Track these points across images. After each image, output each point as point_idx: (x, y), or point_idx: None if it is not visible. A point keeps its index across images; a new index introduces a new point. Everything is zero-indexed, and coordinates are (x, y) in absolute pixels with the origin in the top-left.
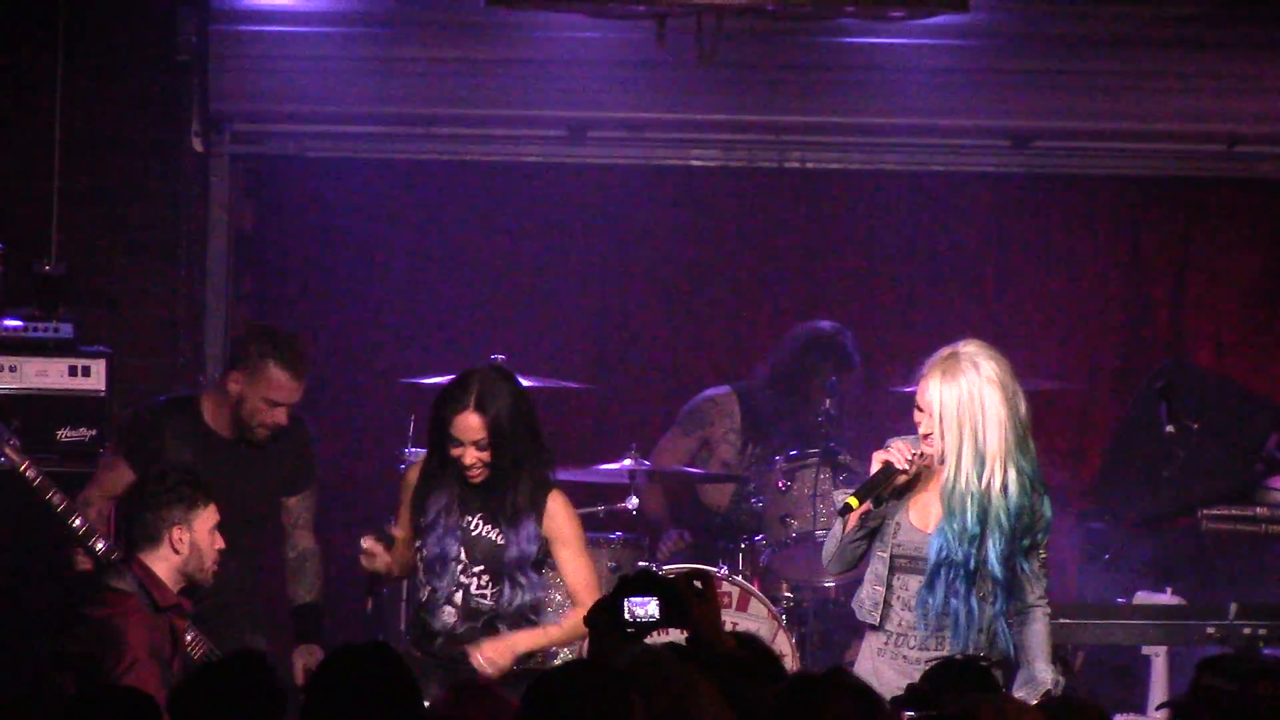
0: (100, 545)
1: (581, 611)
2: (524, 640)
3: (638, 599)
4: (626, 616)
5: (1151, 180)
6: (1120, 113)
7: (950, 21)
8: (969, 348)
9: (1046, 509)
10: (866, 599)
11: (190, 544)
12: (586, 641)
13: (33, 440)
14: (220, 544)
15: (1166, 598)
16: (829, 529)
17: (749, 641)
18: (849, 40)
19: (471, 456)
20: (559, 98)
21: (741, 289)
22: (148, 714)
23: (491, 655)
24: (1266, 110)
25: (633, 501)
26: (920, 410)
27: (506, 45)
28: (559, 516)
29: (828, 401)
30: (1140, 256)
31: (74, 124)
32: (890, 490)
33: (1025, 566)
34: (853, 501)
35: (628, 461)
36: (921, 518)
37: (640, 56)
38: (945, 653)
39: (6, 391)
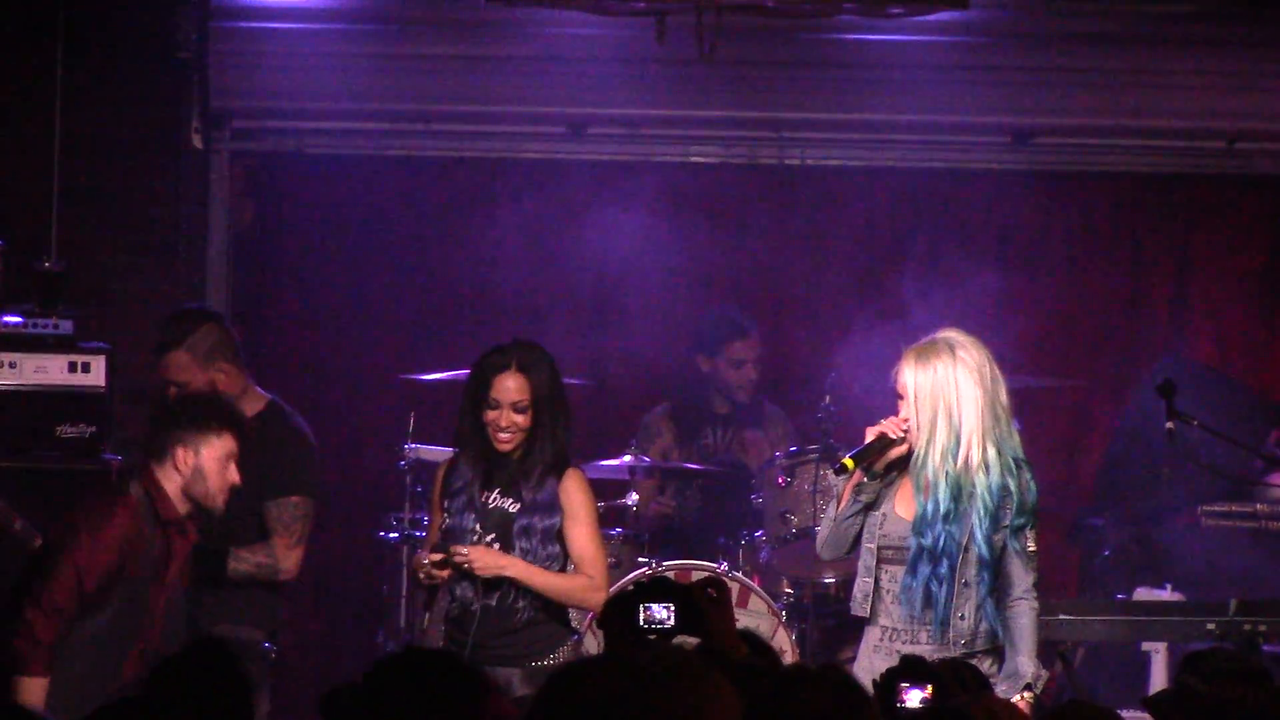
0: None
1: (582, 579)
2: (512, 565)
3: (653, 605)
4: (642, 623)
5: (1152, 177)
6: (1120, 109)
7: (950, 18)
8: (946, 334)
9: (1032, 491)
10: (858, 592)
11: (194, 467)
12: (577, 601)
13: (33, 436)
14: (235, 478)
15: (1166, 594)
16: None
17: (758, 645)
18: (849, 37)
19: (507, 419)
20: (559, 94)
21: (741, 285)
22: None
23: (479, 556)
24: (1267, 108)
25: (632, 498)
26: (900, 398)
27: (506, 42)
28: (573, 491)
29: (827, 398)
30: (1140, 254)
31: (74, 122)
32: (884, 464)
33: (1014, 547)
34: (849, 463)
35: (627, 458)
36: (907, 508)
37: (640, 53)
38: (934, 646)
39: (6, 388)
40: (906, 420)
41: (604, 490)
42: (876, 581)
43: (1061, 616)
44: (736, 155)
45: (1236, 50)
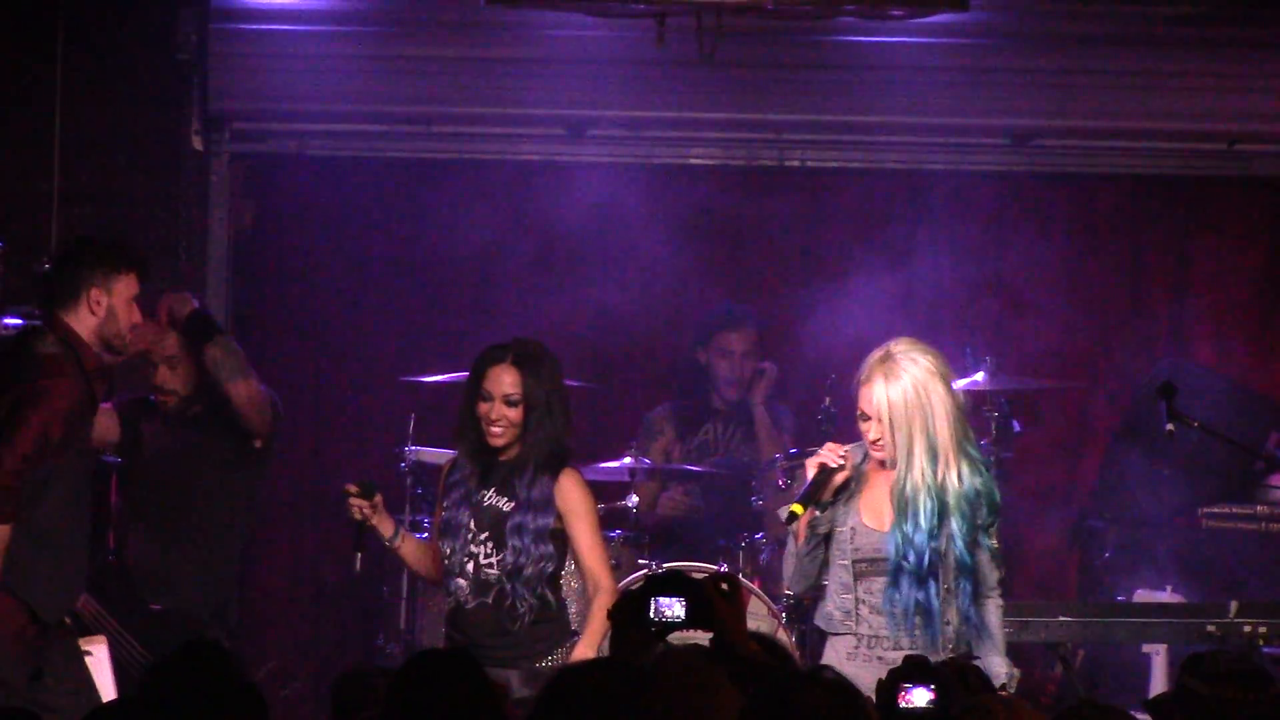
0: None
1: (601, 596)
2: (580, 652)
3: (664, 599)
4: (652, 616)
5: (1151, 179)
6: (1120, 111)
7: (950, 20)
8: (900, 346)
9: (996, 489)
10: (835, 610)
11: (107, 308)
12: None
13: None
14: (138, 318)
15: (1167, 596)
16: None
17: (769, 644)
18: (849, 39)
19: (498, 412)
20: (558, 96)
21: (741, 287)
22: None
23: None
24: (1266, 109)
25: (632, 499)
26: (867, 418)
27: (506, 44)
28: (572, 491)
29: (827, 399)
30: (1140, 255)
31: (74, 124)
32: (832, 492)
33: (985, 544)
34: (797, 509)
35: (627, 459)
36: (875, 518)
37: (640, 55)
38: (918, 651)
39: None
40: (842, 450)
41: (604, 492)
42: (855, 595)
43: (1062, 618)
44: (736, 157)
45: (1237, 52)
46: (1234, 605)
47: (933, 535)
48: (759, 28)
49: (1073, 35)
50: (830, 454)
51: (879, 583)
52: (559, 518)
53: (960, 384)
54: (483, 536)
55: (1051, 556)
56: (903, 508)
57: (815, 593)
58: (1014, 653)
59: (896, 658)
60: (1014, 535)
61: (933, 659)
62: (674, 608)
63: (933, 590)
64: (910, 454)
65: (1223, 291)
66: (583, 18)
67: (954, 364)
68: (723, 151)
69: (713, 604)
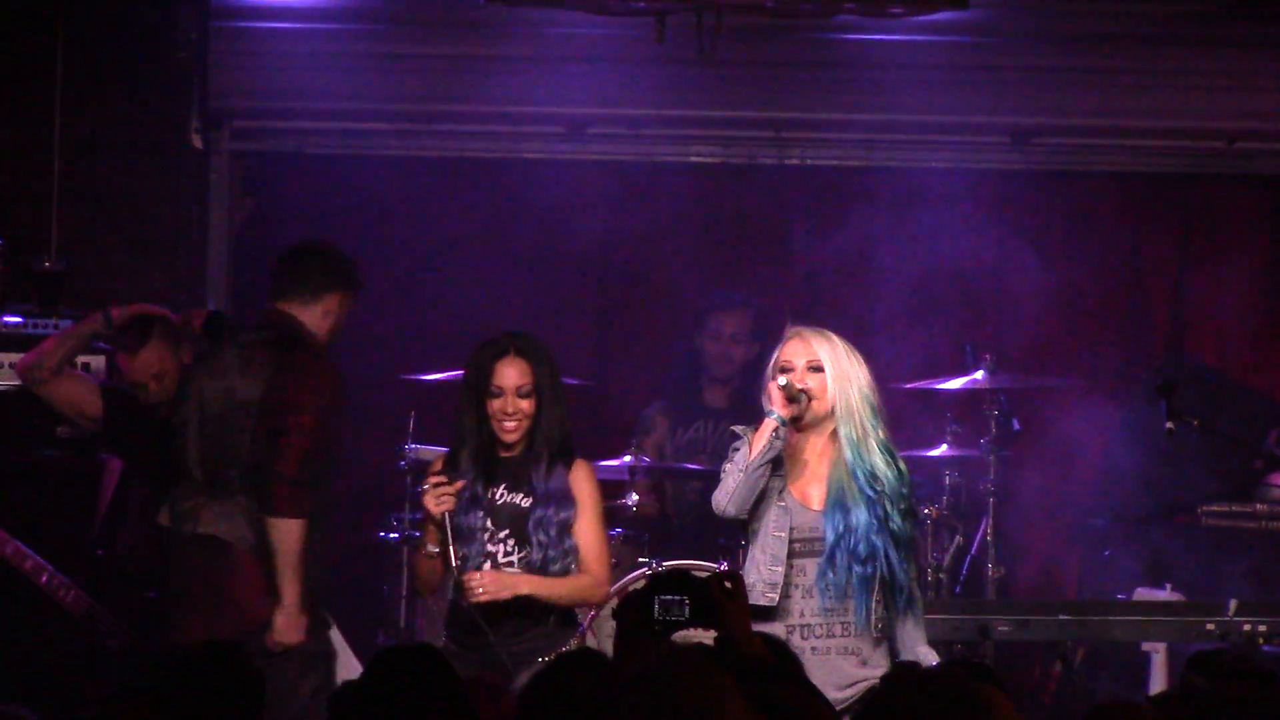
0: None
1: (587, 579)
2: (524, 582)
3: (668, 598)
4: (656, 615)
5: (1151, 177)
6: (1120, 109)
7: (950, 18)
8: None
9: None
10: (760, 580)
11: (335, 319)
12: (582, 600)
13: (32, 437)
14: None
15: (1166, 594)
16: None
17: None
18: (849, 37)
19: (512, 405)
20: (558, 94)
21: (741, 285)
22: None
23: (487, 582)
24: (1266, 107)
25: (632, 498)
26: (785, 371)
27: (506, 42)
28: (583, 484)
29: None
30: (1140, 253)
31: (74, 122)
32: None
33: (909, 529)
34: (794, 393)
35: (627, 458)
36: (806, 497)
37: (640, 53)
38: (851, 638)
39: (7, 387)
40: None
41: (604, 491)
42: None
43: (1061, 616)
44: (736, 155)
45: (1237, 50)
46: (1234, 604)
47: (872, 514)
48: (759, 25)
49: (1073, 34)
50: (792, 380)
51: (812, 565)
52: (574, 507)
53: (960, 383)
54: (502, 534)
55: (1051, 556)
56: (842, 487)
57: (741, 522)
58: (1014, 652)
59: (829, 646)
60: (1014, 535)
61: (862, 643)
62: (677, 606)
63: (870, 569)
64: (855, 417)
65: (1223, 291)
66: (583, 16)
67: (954, 363)
68: (723, 149)
69: (716, 603)
